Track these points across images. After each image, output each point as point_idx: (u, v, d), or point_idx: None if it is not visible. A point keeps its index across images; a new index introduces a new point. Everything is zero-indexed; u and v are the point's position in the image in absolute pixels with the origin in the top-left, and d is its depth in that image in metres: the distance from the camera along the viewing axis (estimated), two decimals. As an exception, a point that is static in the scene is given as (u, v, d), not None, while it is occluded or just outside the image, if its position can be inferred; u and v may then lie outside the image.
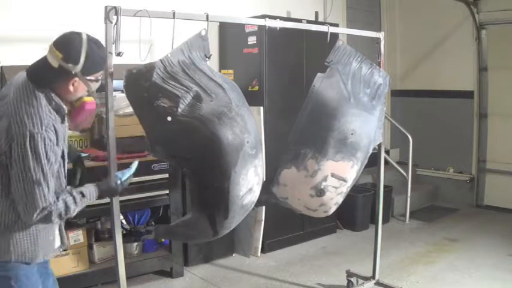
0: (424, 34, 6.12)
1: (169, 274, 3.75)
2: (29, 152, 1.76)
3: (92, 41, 1.91)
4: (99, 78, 1.99)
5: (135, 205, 3.50)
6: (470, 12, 5.61)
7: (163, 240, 3.85)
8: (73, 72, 1.86)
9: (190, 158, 2.29)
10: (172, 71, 2.19)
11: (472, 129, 5.82)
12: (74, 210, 1.90)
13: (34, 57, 1.95)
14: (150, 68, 2.16)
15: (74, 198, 1.90)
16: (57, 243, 2.11)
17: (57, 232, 2.09)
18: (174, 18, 2.30)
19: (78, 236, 3.33)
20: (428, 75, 6.15)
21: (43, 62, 1.88)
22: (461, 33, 5.80)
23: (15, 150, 1.77)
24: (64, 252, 3.23)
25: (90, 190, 2.00)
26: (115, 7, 2.12)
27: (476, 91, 5.78)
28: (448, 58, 5.92)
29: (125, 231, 3.71)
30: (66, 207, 1.87)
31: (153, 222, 3.84)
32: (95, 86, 1.98)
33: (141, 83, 2.18)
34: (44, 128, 1.80)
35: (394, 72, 6.24)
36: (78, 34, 1.90)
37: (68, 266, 3.23)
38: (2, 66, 3.14)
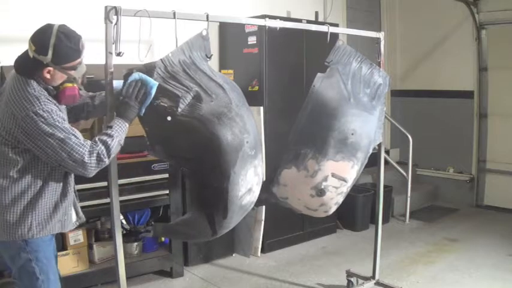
0: (424, 34, 6.12)
1: (169, 274, 3.75)
2: (42, 125, 1.90)
3: (62, 33, 1.98)
4: (77, 65, 2.06)
5: (135, 205, 3.51)
6: (470, 12, 5.61)
7: (163, 239, 3.86)
8: (45, 63, 1.96)
9: (190, 158, 2.29)
10: (172, 71, 2.19)
11: (472, 129, 5.82)
12: (112, 141, 2.01)
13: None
14: (150, 67, 2.17)
15: (105, 134, 2.03)
16: (74, 216, 2.24)
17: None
18: (174, 18, 2.30)
19: (78, 236, 3.34)
20: (428, 75, 6.15)
21: (25, 54, 2.02)
22: (461, 33, 5.80)
23: (29, 133, 1.91)
24: (64, 252, 3.24)
25: (112, 120, 2.10)
26: (115, 7, 2.12)
27: (476, 91, 5.78)
28: (448, 58, 5.92)
29: (125, 231, 3.71)
30: (104, 142, 2.00)
31: (153, 222, 3.83)
32: (75, 73, 2.06)
33: (141, 82, 2.17)
34: (42, 103, 1.94)
35: (394, 72, 6.24)
36: (50, 26, 1.99)
37: (68, 266, 3.23)
38: (2, 66, 3.13)
